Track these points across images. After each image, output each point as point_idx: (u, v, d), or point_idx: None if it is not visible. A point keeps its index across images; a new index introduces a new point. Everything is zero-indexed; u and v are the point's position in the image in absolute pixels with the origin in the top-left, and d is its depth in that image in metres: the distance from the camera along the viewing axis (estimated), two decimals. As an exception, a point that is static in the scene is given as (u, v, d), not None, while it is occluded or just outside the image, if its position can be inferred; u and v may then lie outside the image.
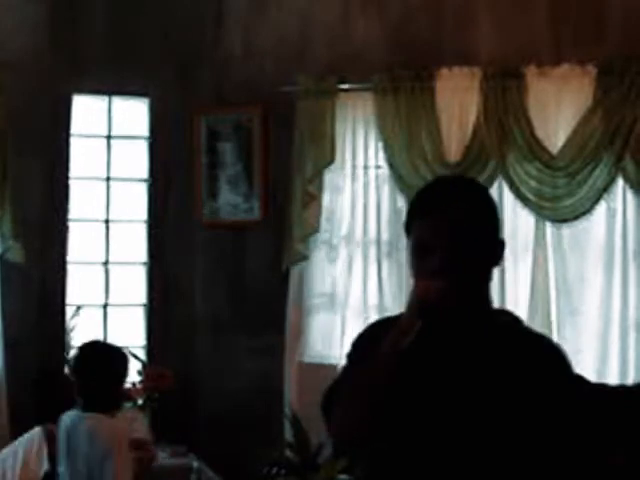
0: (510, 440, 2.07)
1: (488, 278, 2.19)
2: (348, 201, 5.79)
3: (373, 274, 5.71)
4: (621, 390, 5.12)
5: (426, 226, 2.13)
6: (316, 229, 5.76)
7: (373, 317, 5.64)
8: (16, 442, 4.86)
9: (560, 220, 5.44)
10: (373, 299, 5.69)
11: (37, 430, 4.81)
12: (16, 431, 5.08)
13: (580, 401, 2.15)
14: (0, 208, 5.62)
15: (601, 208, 5.41)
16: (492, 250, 2.18)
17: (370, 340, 2.20)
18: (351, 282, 5.77)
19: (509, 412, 2.07)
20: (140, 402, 5.78)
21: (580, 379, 2.33)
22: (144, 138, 6.23)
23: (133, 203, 6.22)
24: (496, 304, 5.81)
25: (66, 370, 5.79)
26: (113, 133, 6.21)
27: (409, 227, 2.18)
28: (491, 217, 2.20)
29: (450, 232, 2.10)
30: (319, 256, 5.83)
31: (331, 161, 5.74)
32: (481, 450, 2.08)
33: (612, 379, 5.31)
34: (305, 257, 5.77)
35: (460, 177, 2.37)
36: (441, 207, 2.13)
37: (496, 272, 5.72)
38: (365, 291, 5.75)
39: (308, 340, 5.83)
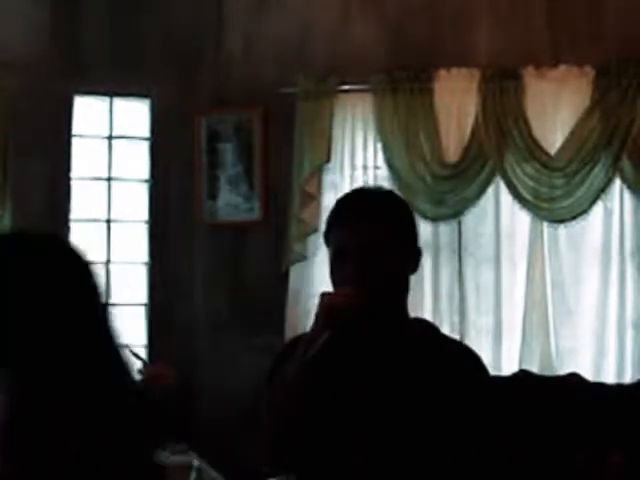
0: (424, 444, 2.08)
1: (405, 284, 2.21)
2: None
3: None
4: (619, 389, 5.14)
5: (342, 233, 2.16)
6: (315, 229, 5.78)
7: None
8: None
9: (558, 220, 5.46)
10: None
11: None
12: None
13: (490, 409, 2.15)
14: (1, 208, 5.64)
15: (598, 208, 5.45)
16: (409, 258, 2.20)
17: (284, 357, 2.21)
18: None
19: (419, 416, 2.08)
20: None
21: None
22: (145, 139, 6.24)
23: (134, 203, 6.23)
24: (494, 304, 5.84)
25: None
26: (114, 134, 6.23)
27: (328, 236, 2.21)
28: (407, 225, 2.23)
29: (363, 239, 2.12)
30: (319, 256, 5.84)
31: (327, 161, 5.76)
32: (399, 455, 2.08)
33: (609, 378, 5.34)
34: (304, 257, 5.79)
35: (378, 188, 2.38)
36: (357, 215, 2.17)
37: (493, 272, 5.77)
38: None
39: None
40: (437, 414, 2.07)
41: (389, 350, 2.16)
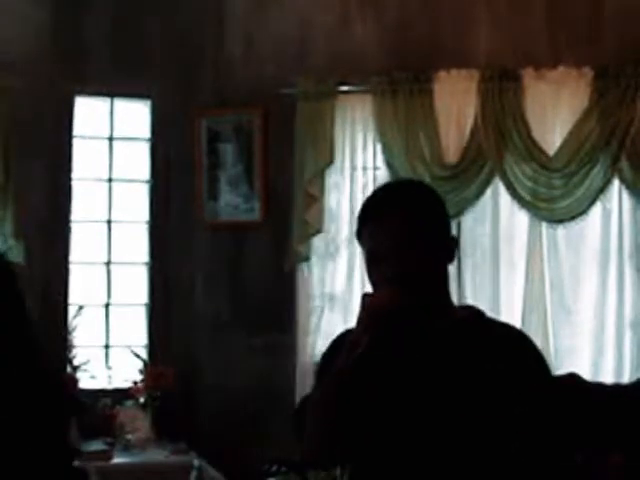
0: (484, 438, 2.04)
1: (445, 276, 2.18)
2: (347, 202, 5.84)
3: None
4: (616, 389, 5.16)
5: (375, 233, 2.13)
6: (318, 230, 5.79)
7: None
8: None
9: (556, 221, 5.48)
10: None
11: (40, 428, 4.86)
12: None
13: (554, 395, 2.12)
14: (3, 209, 5.65)
15: (597, 209, 5.47)
16: (444, 248, 2.16)
17: (334, 352, 2.20)
18: (352, 283, 5.81)
19: (477, 411, 2.04)
20: (142, 401, 5.82)
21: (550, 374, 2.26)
22: (145, 139, 6.26)
23: (135, 204, 6.25)
24: (492, 304, 5.86)
25: (68, 369, 5.85)
26: (115, 134, 6.24)
27: (360, 234, 2.18)
28: (439, 215, 2.20)
29: (399, 237, 2.09)
30: (320, 257, 5.86)
31: (330, 162, 5.77)
32: (457, 450, 2.05)
33: (607, 378, 5.35)
34: (306, 258, 5.80)
35: (405, 181, 2.36)
36: (388, 212, 2.13)
37: (492, 272, 5.78)
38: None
39: (309, 341, 5.85)
40: (486, 410, 2.04)
41: (435, 347, 2.12)
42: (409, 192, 2.23)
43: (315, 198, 5.76)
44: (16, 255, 5.66)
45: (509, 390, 2.04)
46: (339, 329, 6.18)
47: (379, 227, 2.12)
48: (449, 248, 2.18)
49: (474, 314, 2.21)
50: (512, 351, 2.09)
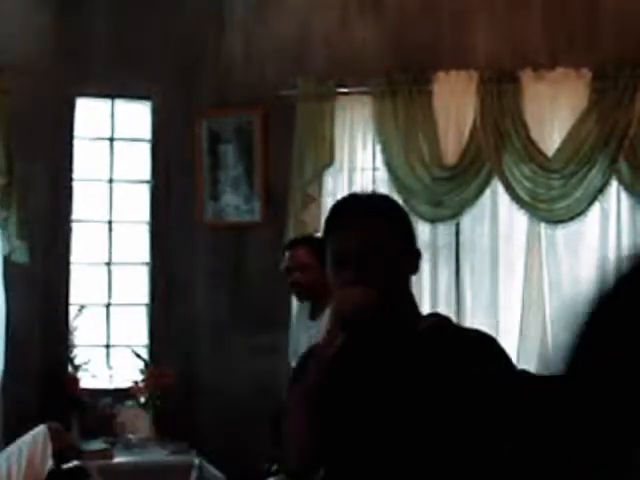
0: (468, 442, 2.04)
1: (408, 285, 2.20)
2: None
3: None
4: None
5: (338, 239, 2.16)
6: (315, 230, 5.81)
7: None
8: (21, 440, 4.92)
9: (555, 221, 5.50)
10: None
11: (41, 428, 4.89)
12: (19, 429, 5.13)
13: (525, 396, 2.06)
14: (6, 209, 5.67)
15: (595, 209, 5.49)
16: (408, 259, 2.19)
17: (304, 363, 2.22)
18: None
19: (459, 414, 2.05)
20: (142, 400, 5.84)
21: (522, 372, 2.28)
22: (146, 140, 6.28)
23: (135, 204, 6.27)
24: (491, 304, 5.87)
25: (70, 369, 5.87)
26: (116, 135, 6.27)
27: (326, 239, 2.20)
28: (404, 227, 2.22)
29: (363, 243, 2.12)
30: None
31: (330, 163, 5.80)
32: (438, 458, 2.05)
33: (606, 378, 5.36)
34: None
35: (373, 193, 2.38)
36: (353, 219, 2.17)
37: (491, 272, 5.79)
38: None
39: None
40: (457, 410, 2.05)
41: (406, 348, 2.14)
42: (376, 202, 2.27)
43: (313, 198, 5.79)
44: (21, 255, 5.69)
45: (489, 391, 2.06)
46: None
47: (344, 232, 2.16)
48: (413, 260, 2.21)
49: (442, 320, 2.24)
50: (485, 353, 2.11)
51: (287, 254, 4.56)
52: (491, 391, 2.06)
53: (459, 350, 2.11)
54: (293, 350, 4.65)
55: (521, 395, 2.06)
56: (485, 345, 2.14)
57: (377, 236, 2.13)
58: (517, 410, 2.03)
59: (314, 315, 4.47)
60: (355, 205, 2.24)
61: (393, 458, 2.08)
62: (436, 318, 2.25)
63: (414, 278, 2.26)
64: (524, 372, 2.30)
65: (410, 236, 2.22)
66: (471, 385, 2.06)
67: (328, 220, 2.22)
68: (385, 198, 2.34)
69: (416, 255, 2.22)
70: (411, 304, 2.21)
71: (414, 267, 2.21)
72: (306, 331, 4.46)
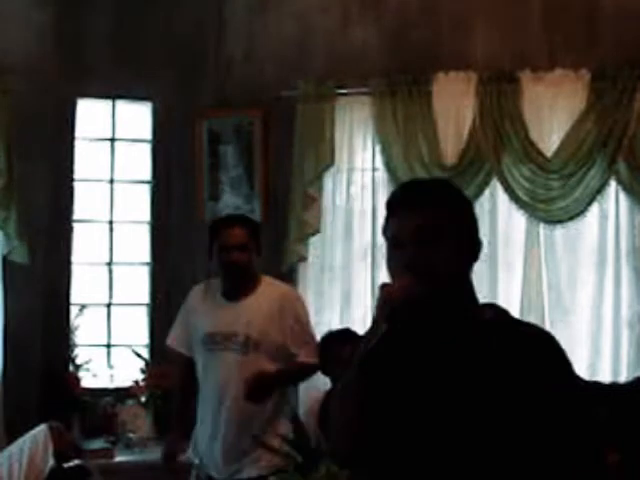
0: (503, 438, 1.99)
1: (467, 274, 2.15)
2: (345, 203, 5.88)
3: (369, 276, 5.79)
4: (614, 388, 5.20)
5: (397, 222, 2.12)
6: (316, 230, 5.84)
7: (367, 318, 5.72)
8: (22, 439, 4.94)
9: (554, 222, 5.52)
10: (368, 300, 5.76)
11: (43, 427, 4.90)
12: (21, 429, 5.14)
13: (578, 397, 2.06)
14: (6, 209, 5.69)
15: (594, 210, 5.50)
16: (468, 247, 2.14)
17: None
18: (349, 283, 5.86)
19: (496, 409, 1.99)
20: (143, 399, 5.87)
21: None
22: (147, 141, 6.30)
23: (136, 205, 6.30)
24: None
25: (70, 368, 5.89)
26: (117, 136, 6.29)
27: (386, 223, 2.16)
28: (466, 215, 2.17)
29: (423, 226, 2.08)
30: (317, 257, 5.90)
31: (331, 164, 5.82)
32: (475, 451, 2.00)
33: (605, 377, 5.39)
34: (304, 258, 5.85)
35: (435, 179, 2.34)
36: (411, 202, 2.13)
37: (489, 272, 5.81)
38: (364, 292, 5.83)
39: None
40: (508, 407, 1.99)
41: (453, 339, 2.08)
42: (437, 187, 2.23)
43: (314, 199, 5.81)
44: (20, 255, 5.71)
45: (538, 391, 2.00)
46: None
47: (404, 215, 2.11)
48: (473, 247, 2.16)
49: (499, 314, 2.19)
50: (540, 352, 2.06)
51: (225, 231, 4.33)
52: (549, 393, 2.01)
53: (519, 346, 2.06)
54: (192, 328, 4.43)
55: (580, 399, 2.04)
56: (547, 344, 2.09)
57: (436, 219, 2.09)
58: (578, 414, 2.02)
59: (236, 296, 4.33)
60: (416, 189, 2.21)
61: (437, 447, 2.03)
62: (495, 309, 2.20)
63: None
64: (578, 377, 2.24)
65: (471, 224, 2.18)
66: (529, 384, 2.00)
67: (388, 204, 2.18)
68: (447, 184, 2.29)
69: (477, 243, 2.17)
70: (470, 292, 2.16)
71: (473, 255, 2.15)
72: (219, 309, 4.33)
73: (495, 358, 2.04)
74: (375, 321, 2.06)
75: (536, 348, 2.05)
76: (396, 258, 2.10)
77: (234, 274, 4.33)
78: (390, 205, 2.17)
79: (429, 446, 2.03)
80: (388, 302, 2.04)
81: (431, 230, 2.07)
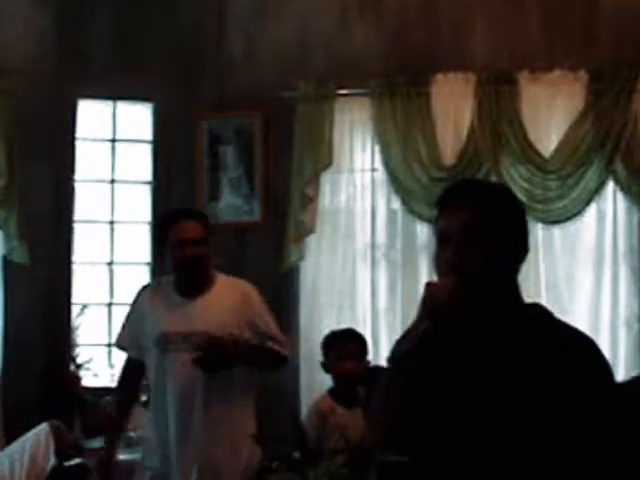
0: (544, 437, 1.98)
1: (512, 274, 2.14)
2: (344, 203, 5.90)
3: (368, 276, 5.82)
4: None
5: (443, 219, 2.14)
6: (313, 230, 5.86)
7: (368, 318, 5.74)
8: (23, 438, 4.96)
9: (552, 222, 5.54)
10: (368, 300, 5.80)
11: (44, 426, 4.92)
12: (21, 428, 5.16)
13: (615, 402, 2.03)
14: (7, 210, 5.72)
15: (592, 210, 5.53)
16: (511, 248, 2.13)
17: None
18: (348, 283, 5.88)
19: (535, 408, 1.98)
20: (143, 399, 5.88)
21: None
22: (148, 142, 6.32)
23: (137, 205, 6.32)
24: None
25: (71, 368, 5.92)
26: (117, 137, 6.31)
27: (437, 220, 2.18)
28: (511, 218, 2.16)
29: (462, 224, 2.09)
30: (317, 257, 5.92)
31: (329, 164, 5.84)
32: (516, 447, 2.00)
33: (602, 376, 5.41)
34: (302, 258, 5.88)
35: (486, 180, 2.32)
36: (457, 201, 2.14)
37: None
38: (362, 293, 5.85)
39: (309, 340, 5.90)
40: (546, 407, 1.98)
41: (495, 338, 2.08)
42: (487, 187, 2.26)
43: (312, 199, 5.83)
44: (20, 255, 5.73)
45: (576, 393, 2.00)
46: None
47: (451, 212, 2.13)
48: (520, 251, 2.15)
49: (543, 314, 2.17)
50: (581, 354, 2.04)
51: (180, 225, 3.99)
52: (587, 396, 2.00)
53: (560, 347, 2.05)
54: (143, 329, 4.10)
55: (617, 405, 2.03)
56: (588, 347, 2.07)
57: (476, 219, 2.09)
58: (612, 419, 2.01)
59: (192, 293, 4.02)
60: (464, 188, 2.22)
61: (476, 443, 2.04)
62: (539, 309, 2.18)
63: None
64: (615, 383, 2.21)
65: (518, 227, 2.16)
66: (567, 385, 2.00)
67: (438, 201, 2.19)
68: (498, 185, 2.31)
69: (523, 246, 2.15)
70: (514, 293, 2.14)
71: (519, 257, 2.14)
72: (175, 307, 4.02)
73: (536, 358, 2.03)
74: (419, 318, 2.09)
75: (577, 350, 2.04)
76: (441, 255, 2.12)
77: (192, 270, 4.01)
78: (439, 203, 2.18)
79: (469, 442, 2.04)
80: (431, 300, 2.06)
81: (475, 229, 2.08)
